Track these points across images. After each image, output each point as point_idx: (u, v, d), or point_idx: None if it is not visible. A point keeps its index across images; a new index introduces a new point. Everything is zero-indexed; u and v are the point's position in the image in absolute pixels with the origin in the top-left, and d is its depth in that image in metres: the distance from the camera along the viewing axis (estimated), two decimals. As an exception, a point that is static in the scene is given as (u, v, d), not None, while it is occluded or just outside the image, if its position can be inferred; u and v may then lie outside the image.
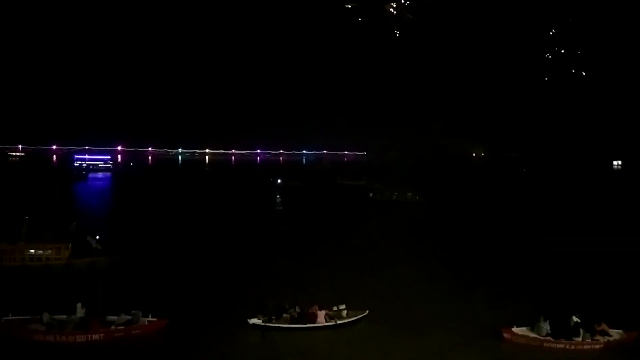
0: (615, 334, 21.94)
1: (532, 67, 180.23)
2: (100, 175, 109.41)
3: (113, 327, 20.82)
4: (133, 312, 21.50)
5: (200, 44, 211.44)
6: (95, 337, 20.33)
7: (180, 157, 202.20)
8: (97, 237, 31.93)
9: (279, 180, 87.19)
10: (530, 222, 52.40)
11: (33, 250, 29.36)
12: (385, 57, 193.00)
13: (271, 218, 53.05)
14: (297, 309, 22.90)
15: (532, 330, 21.73)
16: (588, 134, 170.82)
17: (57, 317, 20.73)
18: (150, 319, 21.56)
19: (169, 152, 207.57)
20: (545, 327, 21.55)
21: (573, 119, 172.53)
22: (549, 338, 21.35)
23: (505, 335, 21.49)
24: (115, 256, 30.78)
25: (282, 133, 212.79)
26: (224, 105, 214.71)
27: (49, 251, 29.42)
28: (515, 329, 21.73)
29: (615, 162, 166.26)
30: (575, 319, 22.08)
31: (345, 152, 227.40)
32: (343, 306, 23.46)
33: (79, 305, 21.10)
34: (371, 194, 71.53)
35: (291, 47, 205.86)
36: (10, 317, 20.72)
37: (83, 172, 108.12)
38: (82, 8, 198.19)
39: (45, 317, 20.64)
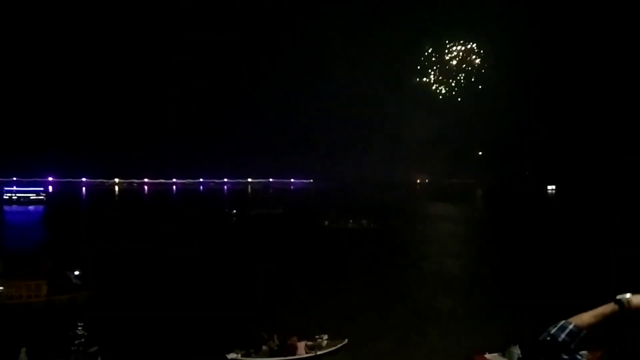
0: (582, 355, 21.47)
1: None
2: (31, 208, 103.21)
3: None
4: (83, 353, 19.83)
5: (136, 71, 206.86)
6: None
7: (117, 187, 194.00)
8: (76, 272, 30.51)
9: (234, 210, 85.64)
10: (484, 244, 53.42)
11: (11, 289, 27.78)
12: (327, 85, 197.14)
13: (236, 248, 51.46)
14: (277, 341, 22.03)
15: (503, 355, 21.44)
16: (524, 159, 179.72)
17: None
18: None
19: (104, 182, 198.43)
20: (516, 351, 21.29)
21: (511, 146, 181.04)
22: None
23: None
24: (94, 291, 29.28)
25: (225, 161, 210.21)
26: (163, 133, 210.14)
27: (27, 289, 27.95)
28: (487, 355, 21.48)
29: (549, 187, 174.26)
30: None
31: (292, 180, 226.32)
32: (325, 336, 22.91)
33: (23, 350, 19.82)
34: (326, 222, 70.61)
35: (233, 73, 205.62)
36: None
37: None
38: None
39: None
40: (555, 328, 2.34)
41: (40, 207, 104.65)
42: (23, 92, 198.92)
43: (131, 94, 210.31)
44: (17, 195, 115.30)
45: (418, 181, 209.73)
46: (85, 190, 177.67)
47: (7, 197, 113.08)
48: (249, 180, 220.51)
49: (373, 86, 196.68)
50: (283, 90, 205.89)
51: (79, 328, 22.54)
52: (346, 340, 22.88)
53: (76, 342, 20.17)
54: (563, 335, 2.33)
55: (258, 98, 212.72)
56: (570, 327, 2.34)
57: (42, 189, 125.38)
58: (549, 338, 2.32)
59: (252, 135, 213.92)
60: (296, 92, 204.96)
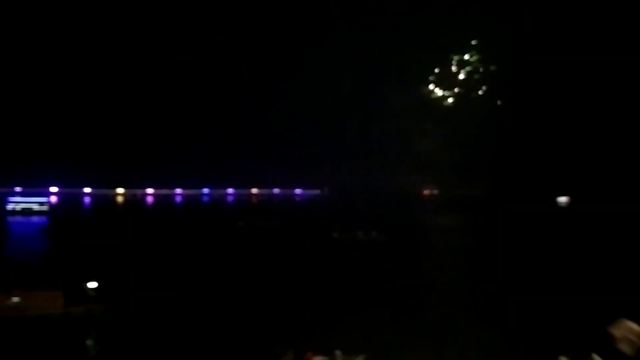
0: None
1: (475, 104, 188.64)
2: (35, 218, 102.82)
3: None
4: None
5: (140, 81, 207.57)
6: None
7: (120, 197, 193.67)
8: (92, 284, 30.13)
9: (241, 222, 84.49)
10: (497, 256, 52.26)
11: (28, 300, 27.78)
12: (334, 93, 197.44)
13: (246, 260, 51.00)
14: (291, 355, 21.86)
15: None
16: (534, 170, 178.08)
17: None
18: None
19: (107, 192, 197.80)
20: None
21: (520, 156, 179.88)
22: None
23: None
24: (110, 303, 29.67)
25: (230, 171, 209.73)
26: (168, 143, 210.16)
27: (44, 300, 27.95)
28: None
29: (560, 199, 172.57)
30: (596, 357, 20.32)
31: (298, 190, 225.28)
32: (339, 352, 22.02)
33: None
34: (335, 234, 69.49)
35: (240, 74, 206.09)
36: None
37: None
38: None
39: None
40: None
41: (44, 218, 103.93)
42: (26, 103, 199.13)
43: (135, 103, 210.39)
44: (21, 205, 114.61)
45: (426, 192, 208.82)
46: (89, 200, 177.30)
47: (11, 208, 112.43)
48: (254, 190, 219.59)
49: (381, 96, 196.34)
50: (289, 102, 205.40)
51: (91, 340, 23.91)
52: (362, 356, 22.37)
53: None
54: None
55: (263, 109, 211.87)
56: None
57: (45, 199, 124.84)
58: None
59: (258, 145, 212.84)
60: (302, 103, 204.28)
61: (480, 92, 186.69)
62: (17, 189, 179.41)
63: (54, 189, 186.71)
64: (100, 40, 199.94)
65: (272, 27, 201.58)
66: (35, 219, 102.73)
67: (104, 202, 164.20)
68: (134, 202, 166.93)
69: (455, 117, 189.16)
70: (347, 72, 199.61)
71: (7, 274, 31.96)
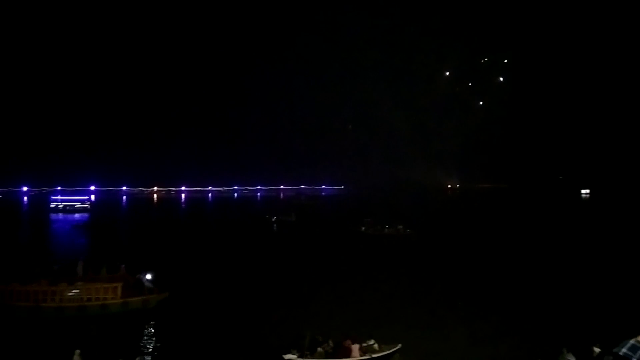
0: None
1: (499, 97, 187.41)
2: (77, 216, 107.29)
3: None
4: (138, 358, 21.09)
5: (165, 79, 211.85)
6: None
7: (155, 195, 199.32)
8: (148, 275, 31.30)
9: (274, 217, 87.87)
10: (524, 251, 53.35)
11: (90, 290, 28.64)
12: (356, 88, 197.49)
13: (283, 253, 53.18)
14: (331, 343, 22.90)
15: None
16: (558, 163, 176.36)
17: None
18: None
19: (143, 190, 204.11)
20: (571, 359, 21.36)
21: (544, 148, 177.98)
22: None
23: None
24: (165, 293, 30.44)
25: (258, 169, 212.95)
26: (198, 142, 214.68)
27: (105, 291, 28.81)
28: None
29: (583, 191, 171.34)
30: (596, 349, 21.85)
31: (323, 187, 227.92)
32: (372, 341, 23.52)
33: (76, 351, 20.43)
34: (363, 228, 71.67)
35: (266, 75, 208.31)
36: None
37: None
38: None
39: None
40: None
41: (86, 215, 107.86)
42: (65, 105, 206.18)
43: (168, 104, 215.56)
44: (63, 203, 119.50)
45: (449, 186, 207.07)
46: (126, 198, 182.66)
47: (54, 206, 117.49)
48: (282, 187, 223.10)
49: (404, 91, 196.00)
50: (313, 99, 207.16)
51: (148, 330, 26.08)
52: (400, 345, 23.43)
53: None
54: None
55: (289, 107, 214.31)
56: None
57: (87, 197, 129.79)
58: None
59: (285, 143, 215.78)
60: (326, 100, 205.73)
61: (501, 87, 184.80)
62: (58, 187, 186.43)
63: (92, 188, 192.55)
64: (133, 40, 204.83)
65: (295, 22, 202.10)
66: (77, 216, 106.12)
67: (140, 199, 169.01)
68: (170, 200, 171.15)
69: (477, 111, 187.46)
70: (369, 68, 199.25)
71: (65, 266, 32.40)
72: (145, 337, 25.76)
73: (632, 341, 20.73)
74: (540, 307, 31.20)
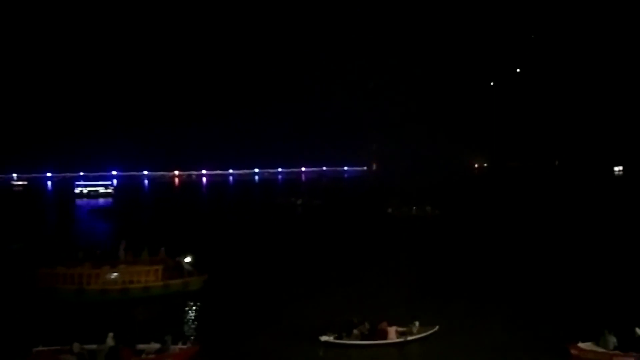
0: None
1: (528, 75, 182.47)
2: (101, 201, 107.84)
3: (144, 356, 20.31)
4: (165, 338, 21.02)
5: (189, 60, 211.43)
6: None
7: (177, 179, 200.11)
8: (188, 258, 31.68)
9: (299, 201, 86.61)
10: (558, 231, 51.68)
11: (132, 274, 29.24)
12: (381, 69, 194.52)
13: (313, 236, 52.49)
14: (367, 325, 22.64)
15: (598, 344, 20.91)
16: (589, 140, 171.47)
17: (87, 347, 20.32)
18: (181, 346, 21.16)
19: (165, 174, 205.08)
20: (612, 340, 20.69)
21: (573, 126, 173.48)
22: (617, 352, 20.44)
23: (572, 351, 20.75)
24: (204, 275, 30.90)
25: (279, 150, 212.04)
26: (218, 125, 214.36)
27: (148, 273, 29.41)
28: (581, 345, 20.95)
29: (616, 168, 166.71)
30: (639, 331, 21.13)
31: (346, 168, 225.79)
32: (416, 322, 22.99)
33: (109, 334, 20.74)
34: (390, 210, 70.07)
35: (290, 63, 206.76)
36: (41, 348, 20.49)
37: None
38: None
39: (76, 347, 20.13)
40: None
41: (109, 200, 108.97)
42: (85, 92, 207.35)
43: (188, 88, 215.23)
44: (87, 189, 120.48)
45: (476, 165, 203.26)
46: (148, 182, 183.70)
47: (78, 191, 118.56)
48: (303, 169, 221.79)
49: (426, 69, 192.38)
50: (333, 79, 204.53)
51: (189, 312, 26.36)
52: (437, 327, 22.91)
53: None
54: None
55: (309, 87, 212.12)
56: None
57: (110, 182, 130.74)
58: None
59: (305, 124, 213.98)
60: (347, 80, 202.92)
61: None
62: (81, 173, 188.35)
63: (114, 173, 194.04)
64: (155, 25, 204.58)
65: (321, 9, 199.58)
66: (101, 201, 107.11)
67: (162, 184, 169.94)
68: (191, 183, 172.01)
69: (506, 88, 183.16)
70: (392, 52, 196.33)
71: (108, 250, 33.11)
72: (186, 319, 26.30)
73: None
74: (580, 289, 30.25)
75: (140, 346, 20.63)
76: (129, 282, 28.88)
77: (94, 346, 20.29)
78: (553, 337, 22.37)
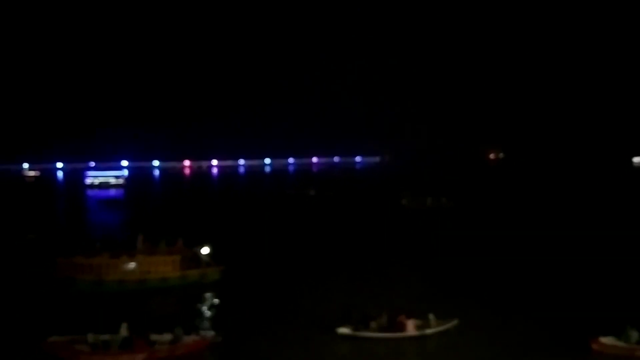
0: None
1: (547, 65, 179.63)
2: (112, 191, 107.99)
3: (157, 347, 20.51)
4: (177, 329, 21.18)
5: (197, 50, 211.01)
6: (139, 357, 20.13)
7: (187, 169, 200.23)
8: (205, 249, 31.59)
9: (312, 191, 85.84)
10: (579, 224, 50.47)
11: (150, 264, 29.40)
12: (396, 59, 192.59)
13: (330, 227, 52.17)
14: (385, 318, 22.61)
15: (619, 339, 20.82)
16: (606, 131, 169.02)
17: (101, 337, 20.58)
18: (194, 337, 21.27)
19: (175, 164, 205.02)
20: (634, 335, 20.57)
21: (592, 116, 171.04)
22: (639, 347, 20.39)
23: (594, 346, 20.74)
24: (222, 266, 31.06)
25: (290, 140, 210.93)
26: (228, 114, 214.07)
27: (166, 264, 29.57)
28: (602, 339, 20.86)
29: (635, 159, 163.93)
30: None
31: (358, 158, 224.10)
32: (433, 315, 22.84)
33: (123, 324, 20.91)
34: (404, 201, 69.05)
35: (298, 49, 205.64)
36: (55, 338, 20.74)
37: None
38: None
39: (90, 337, 20.50)
40: None
41: (121, 191, 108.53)
42: (96, 81, 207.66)
43: (196, 77, 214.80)
44: (99, 179, 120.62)
45: (492, 156, 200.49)
46: (158, 173, 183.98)
47: (90, 182, 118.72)
48: (314, 159, 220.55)
49: (440, 57, 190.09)
50: (345, 67, 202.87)
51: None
52: (456, 321, 22.72)
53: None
54: None
55: (321, 77, 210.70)
56: None
57: (121, 173, 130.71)
58: None
59: (317, 114, 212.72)
60: (359, 68, 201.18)
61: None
62: (92, 163, 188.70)
63: (124, 163, 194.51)
64: (163, 17, 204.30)
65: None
66: (113, 191, 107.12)
67: (172, 174, 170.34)
68: (201, 174, 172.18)
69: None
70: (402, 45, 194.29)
71: (125, 240, 33.69)
72: (202, 310, 26.46)
73: None
74: (601, 283, 29.90)
75: (154, 337, 20.78)
76: (146, 272, 28.98)
77: (107, 336, 20.47)
78: (574, 331, 22.19)
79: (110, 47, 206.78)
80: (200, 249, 31.40)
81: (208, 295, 28.45)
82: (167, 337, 20.94)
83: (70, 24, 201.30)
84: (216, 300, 27.87)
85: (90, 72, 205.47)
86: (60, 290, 28.12)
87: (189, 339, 21.03)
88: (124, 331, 20.67)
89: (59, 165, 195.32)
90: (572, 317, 23.94)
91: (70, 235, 42.96)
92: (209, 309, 26.86)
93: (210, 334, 21.86)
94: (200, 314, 25.90)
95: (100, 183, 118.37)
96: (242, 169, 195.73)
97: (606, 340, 20.79)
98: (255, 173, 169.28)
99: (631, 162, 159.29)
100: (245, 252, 38.37)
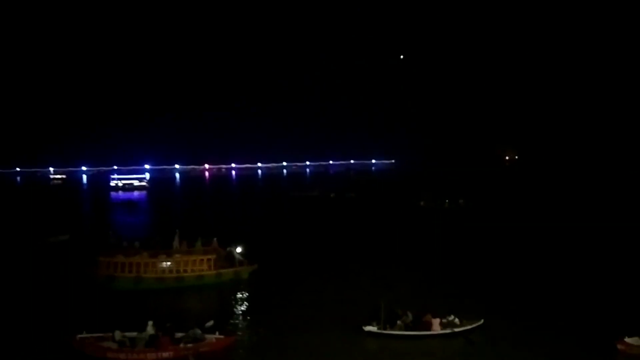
0: None
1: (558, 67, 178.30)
2: (136, 194, 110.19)
3: (182, 345, 20.86)
4: (200, 328, 21.54)
5: (208, 53, 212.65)
6: (165, 355, 20.41)
7: (207, 172, 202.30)
8: (239, 248, 32.65)
9: (332, 194, 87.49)
10: (597, 226, 50.29)
11: (187, 262, 30.40)
12: (407, 63, 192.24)
13: (354, 228, 52.74)
14: (410, 316, 22.77)
15: None
16: (621, 132, 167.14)
17: (128, 334, 21.02)
18: (218, 335, 21.52)
19: (195, 168, 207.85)
20: None
21: (605, 118, 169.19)
22: None
23: (619, 347, 20.57)
24: (255, 265, 31.91)
25: (306, 144, 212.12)
26: (247, 119, 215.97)
27: (202, 262, 30.55)
28: (628, 340, 20.72)
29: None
30: None
31: (373, 161, 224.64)
32: (452, 316, 22.99)
33: (149, 322, 21.28)
34: (422, 203, 69.92)
35: (311, 55, 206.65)
36: (84, 335, 21.17)
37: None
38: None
39: (118, 334, 20.88)
40: None
41: (144, 193, 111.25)
42: (117, 87, 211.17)
43: (217, 83, 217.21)
44: (123, 182, 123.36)
45: (507, 158, 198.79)
46: (179, 176, 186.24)
47: (114, 185, 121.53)
48: (330, 162, 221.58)
49: (454, 61, 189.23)
50: (359, 71, 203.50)
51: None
52: (482, 321, 22.81)
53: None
54: None
55: (335, 80, 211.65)
56: None
57: (144, 176, 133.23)
58: None
59: (332, 118, 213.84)
60: (372, 73, 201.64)
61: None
62: (115, 167, 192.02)
63: (146, 167, 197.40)
64: (185, 20, 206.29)
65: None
66: (135, 194, 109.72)
67: (193, 177, 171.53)
68: (221, 177, 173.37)
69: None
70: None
71: (163, 239, 33.86)
72: (232, 308, 26.94)
73: None
74: (625, 283, 29.60)
75: (179, 335, 21.13)
76: (183, 270, 30.01)
77: (134, 334, 20.91)
78: (599, 331, 22.17)
79: (138, 56, 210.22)
80: (234, 248, 32.36)
81: (240, 293, 29.12)
82: (192, 335, 21.16)
83: (92, 32, 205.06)
84: (247, 299, 28.57)
85: (117, 80, 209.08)
86: (101, 287, 29.05)
87: (213, 337, 21.22)
88: (150, 329, 21.03)
89: (84, 168, 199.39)
90: (596, 317, 24.01)
91: (101, 235, 43.92)
92: (239, 307, 27.52)
93: (235, 333, 22.24)
94: (230, 312, 26.35)
95: (124, 185, 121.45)
96: (259, 172, 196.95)
97: (631, 340, 20.67)
98: (273, 175, 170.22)
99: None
100: (276, 252, 38.91)
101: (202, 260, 30.49)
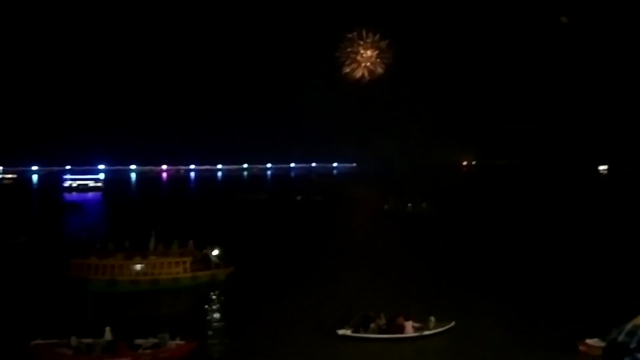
0: None
1: (519, 73, 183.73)
2: (90, 195, 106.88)
3: (140, 351, 20.58)
4: (160, 335, 21.14)
5: (181, 58, 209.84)
6: None
7: (164, 173, 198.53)
8: (215, 250, 32.33)
9: (299, 197, 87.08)
10: (554, 230, 51.97)
11: (162, 264, 29.90)
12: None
13: (322, 232, 52.83)
14: (383, 319, 23.02)
15: (604, 340, 20.81)
16: (574, 139, 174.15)
17: (85, 340, 20.59)
18: (178, 341, 21.20)
19: (152, 169, 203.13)
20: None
21: (560, 125, 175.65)
22: None
23: (580, 348, 21.38)
24: (232, 267, 31.70)
25: (268, 146, 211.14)
26: (206, 119, 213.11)
27: (177, 265, 30.09)
28: (588, 341, 21.44)
29: (601, 167, 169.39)
30: None
31: (335, 164, 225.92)
32: (432, 317, 23.34)
33: (107, 328, 20.85)
34: (386, 206, 70.34)
35: (272, 57, 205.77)
36: (39, 341, 20.65)
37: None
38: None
39: (74, 340, 20.48)
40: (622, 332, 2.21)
41: (99, 194, 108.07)
42: (70, 85, 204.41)
43: (176, 82, 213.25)
44: (77, 182, 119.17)
45: (465, 163, 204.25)
46: (135, 177, 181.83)
47: (67, 185, 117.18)
48: (292, 165, 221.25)
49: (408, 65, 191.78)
50: (319, 75, 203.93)
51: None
52: (453, 323, 23.19)
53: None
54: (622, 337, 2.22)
55: (296, 83, 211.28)
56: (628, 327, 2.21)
57: (99, 176, 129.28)
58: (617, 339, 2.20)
59: (294, 120, 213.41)
60: (333, 76, 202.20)
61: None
62: (67, 167, 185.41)
63: (101, 167, 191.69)
64: (144, 21, 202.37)
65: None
66: (90, 195, 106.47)
67: (150, 178, 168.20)
68: (179, 178, 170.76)
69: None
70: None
71: (138, 241, 33.44)
72: (212, 310, 27.17)
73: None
74: (586, 286, 30.40)
75: (138, 341, 20.75)
76: (158, 273, 29.56)
77: (90, 340, 20.47)
78: (561, 333, 22.78)
79: (90, 53, 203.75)
80: (211, 251, 32.08)
81: (215, 296, 29.08)
82: (151, 341, 20.79)
83: (49, 32, 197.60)
84: (221, 302, 28.56)
85: (69, 77, 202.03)
86: (73, 290, 28.14)
87: (173, 343, 20.79)
88: (108, 335, 20.60)
89: (34, 168, 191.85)
90: (559, 319, 24.66)
91: (61, 237, 42.40)
92: (214, 310, 27.51)
93: (197, 339, 21.72)
94: (206, 315, 26.32)
95: (78, 186, 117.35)
96: (219, 174, 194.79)
97: (592, 341, 21.26)
98: (232, 178, 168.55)
99: (597, 170, 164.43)
100: (246, 255, 38.15)
101: (178, 262, 30.07)
